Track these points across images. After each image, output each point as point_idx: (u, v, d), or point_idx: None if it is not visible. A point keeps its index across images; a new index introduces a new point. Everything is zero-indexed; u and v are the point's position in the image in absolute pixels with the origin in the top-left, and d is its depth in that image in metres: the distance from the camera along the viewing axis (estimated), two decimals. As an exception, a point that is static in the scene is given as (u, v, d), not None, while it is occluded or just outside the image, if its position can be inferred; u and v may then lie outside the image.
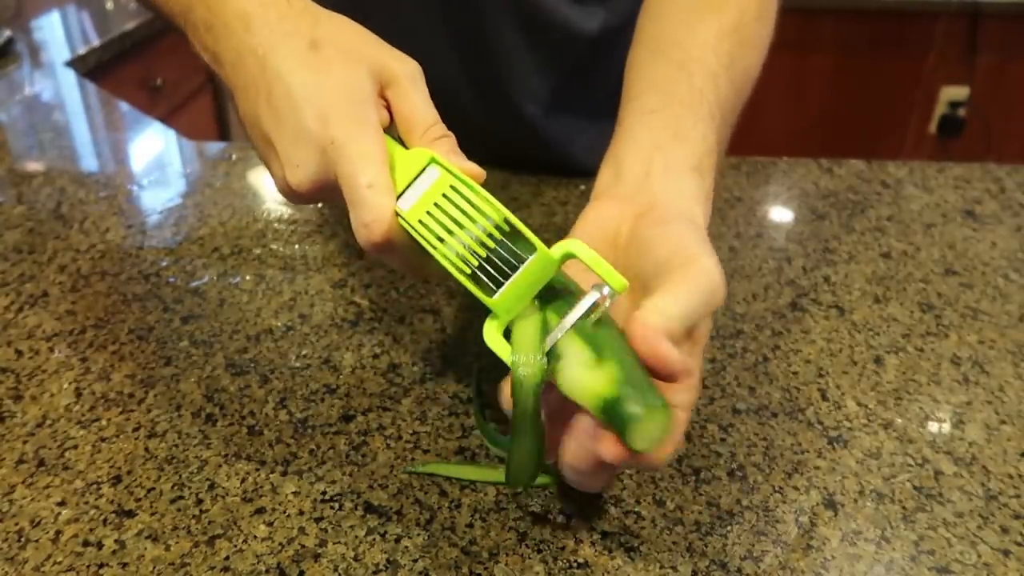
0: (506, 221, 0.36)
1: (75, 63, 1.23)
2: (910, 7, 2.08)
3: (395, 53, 0.41)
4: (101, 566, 0.40)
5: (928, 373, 0.54)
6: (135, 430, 0.48)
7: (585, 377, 0.34)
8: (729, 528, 0.42)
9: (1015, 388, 0.52)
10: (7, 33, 1.17)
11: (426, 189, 0.37)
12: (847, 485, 0.45)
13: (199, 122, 1.86)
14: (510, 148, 0.75)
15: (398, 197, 0.37)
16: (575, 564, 0.40)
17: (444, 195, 0.36)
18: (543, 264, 0.36)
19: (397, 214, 0.37)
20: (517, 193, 0.73)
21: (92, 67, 1.34)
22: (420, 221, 0.36)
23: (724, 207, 0.73)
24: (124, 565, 0.40)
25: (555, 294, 0.38)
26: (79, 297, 0.60)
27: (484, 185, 0.38)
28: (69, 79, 1.09)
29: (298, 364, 0.53)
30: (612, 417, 0.33)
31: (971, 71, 2.14)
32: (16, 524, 0.43)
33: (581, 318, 0.35)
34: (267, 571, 0.40)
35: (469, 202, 0.36)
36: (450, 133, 0.41)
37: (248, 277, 0.62)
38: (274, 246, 0.66)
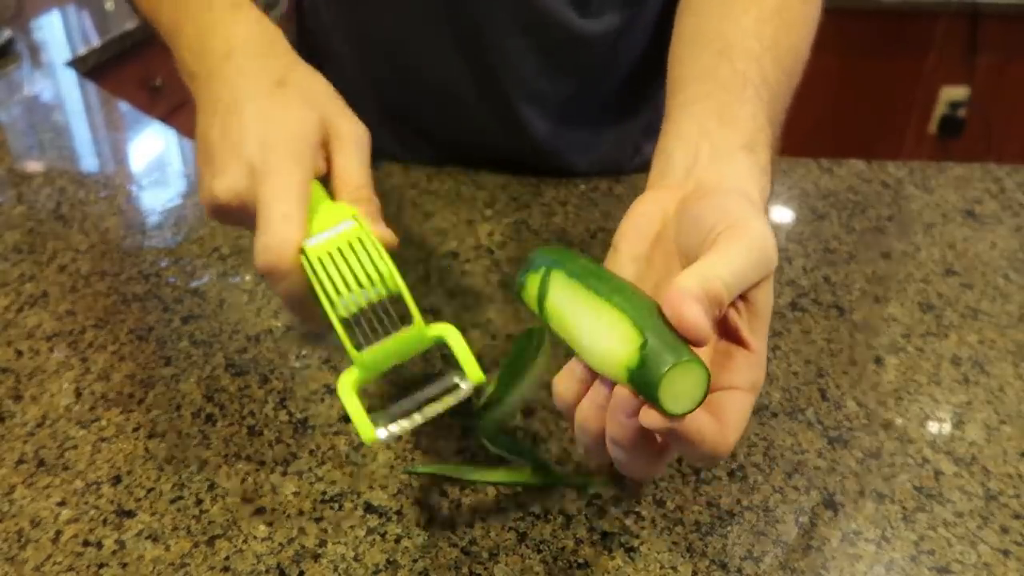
0: (396, 288, 0.38)
1: (75, 63, 1.23)
2: (910, 7, 2.08)
3: (350, 115, 0.44)
4: (101, 566, 0.40)
5: (928, 373, 0.54)
6: (135, 430, 0.48)
7: (606, 348, 0.33)
8: (729, 528, 0.42)
9: (1015, 388, 0.52)
10: (7, 33, 1.17)
11: (334, 235, 0.39)
12: (847, 485, 0.45)
13: (199, 122, 1.85)
14: (511, 151, 0.75)
15: (308, 238, 0.39)
16: (575, 564, 0.40)
17: (350, 244, 0.38)
18: (416, 337, 0.39)
19: (301, 249, 0.38)
20: (517, 193, 0.73)
21: (92, 67, 1.34)
22: (319, 259, 0.38)
23: (724, 207, 0.73)
24: (124, 565, 0.40)
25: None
26: (79, 297, 0.60)
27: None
28: (69, 79, 1.09)
29: (298, 364, 0.53)
30: (642, 382, 0.32)
31: (971, 71, 2.14)
32: (16, 524, 0.43)
33: (435, 402, 0.40)
34: (267, 571, 0.40)
35: (370, 258, 0.38)
36: (376, 200, 0.42)
37: (248, 277, 0.62)
38: (274, 246, 0.66)
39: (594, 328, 0.34)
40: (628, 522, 0.43)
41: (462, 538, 0.42)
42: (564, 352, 0.35)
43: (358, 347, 0.38)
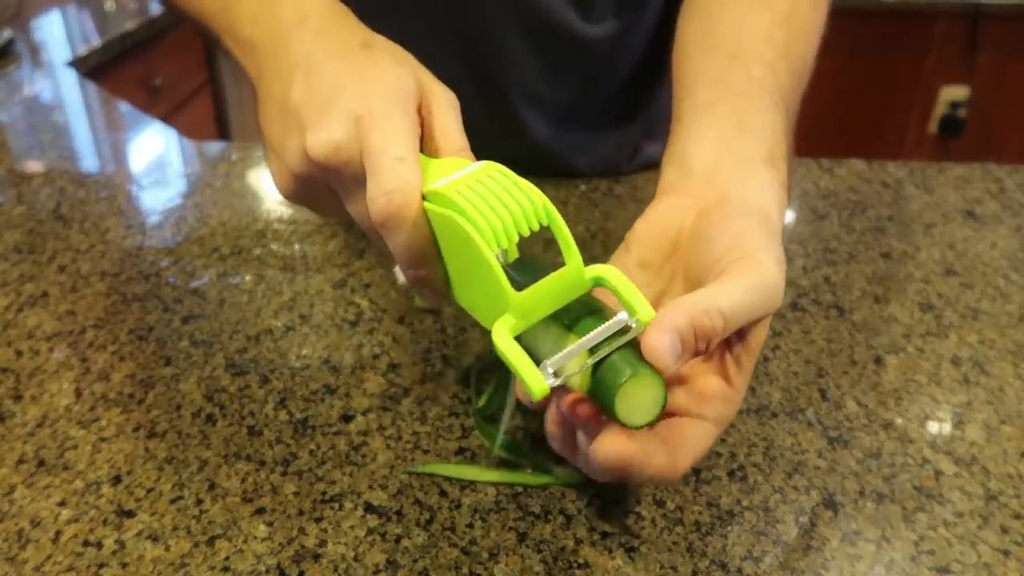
0: (548, 215, 0.33)
1: (75, 63, 1.23)
2: (910, 7, 2.08)
3: (438, 81, 0.41)
4: (101, 566, 0.40)
5: (928, 373, 0.54)
6: (135, 430, 0.48)
7: (572, 363, 0.33)
8: (729, 528, 0.42)
9: (1015, 388, 0.52)
10: (7, 33, 1.17)
11: (464, 174, 0.34)
12: (847, 485, 0.45)
13: (199, 122, 1.86)
14: (510, 154, 0.75)
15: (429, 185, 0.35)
16: (575, 564, 0.40)
17: (488, 176, 0.34)
18: (574, 279, 0.34)
19: (423, 196, 0.34)
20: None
21: (92, 67, 1.34)
22: (459, 192, 0.33)
23: (724, 207, 0.73)
24: (124, 565, 0.40)
25: (580, 316, 0.35)
26: (79, 297, 0.60)
27: None
28: (69, 79, 1.09)
29: (298, 364, 0.53)
30: (600, 391, 0.32)
31: (971, 71, 2.14)
32: (16, 524, 0.43)
33: (605, 341, 0.33)
34: (267, 571, 0.40)
35: (518, 186, 0.34)
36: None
37: (248, 277, 0.62)
38: (274, 246, 0.66)
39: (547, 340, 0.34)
40: (628, 522, 0.43)
41: (462, 538, 0.42)
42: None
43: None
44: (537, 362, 0.32)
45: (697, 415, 0.34)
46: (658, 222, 0.39)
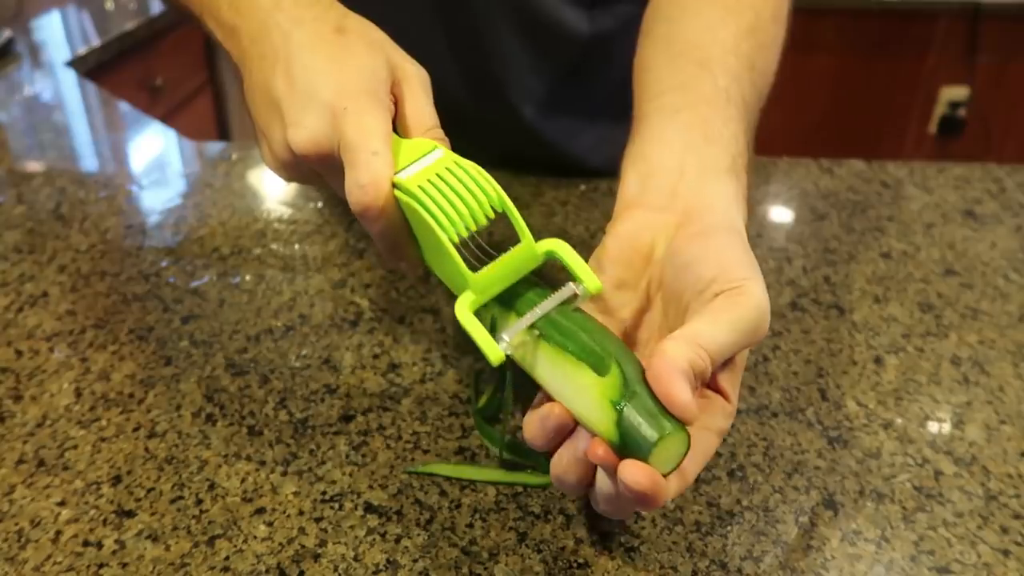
0: (501, 203, 0.37)
1: (75, 63, 1.23)
2: (910, 7, 2.08)
3: (409, 57, 0.43)
4: (101, 566, 0.40)
5: (928, 373, 0.54)
6: (135, 430, 0.48)
7: (585, 408, 0.34)
8: (729, 528, 0.42)
9: (1015, 388, 0.52)
10: (7, 33, 1.17)
11: (427, 165, 0.38)
12: (847, 485, 0.45)
13: (199, 122, 1.86)
14: (508, 148, 0.75)
15: (396, 174, 0.38)
16: (575, 564, 0.40)
17: (447, 168, 0.38)
18: (527, 254, 0.38)
19: (395, 185, 0.38)
20: (517, 193, 0.73)
21: (92, 67, 1.34)
22: (419, 187, 0.37)
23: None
24: (124, 565, 0.40)
25: (531, 288, 0.39)
26: (79, 297, 0.60)
27: None
28: (69, 79, 1.09)
29: (298, 364, 0.53)
30: (626, 443, 0.33)
31: (971, 71, 2.14)
32: (16, 524, 0.43)
33: (553, 310, 0.37)
34: (267, 571, 0.40)
35: (470, 177, 0.37)
36: (447, 140, 0.42)
37: (248, 277, 0.62)
38: (274, 246, 0.66)
39: (567, 385, 0.35)
40: (628, 522, 0.43)
41: (462, 538, 0.42)
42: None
43: (472, 270, 0.37)
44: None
45: (701, 426, 0.34)
46: (628, 238, 0.39)
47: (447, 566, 0.40)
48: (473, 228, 0.37)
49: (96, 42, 1.37)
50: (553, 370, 0.36)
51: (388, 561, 0.41)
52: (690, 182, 0.40)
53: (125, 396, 0.51)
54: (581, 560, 0.41)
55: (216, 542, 0.42)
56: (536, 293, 0.39)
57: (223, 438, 0.48)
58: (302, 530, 0.42)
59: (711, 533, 0.42)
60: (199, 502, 0.44)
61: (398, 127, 0.42)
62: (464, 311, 0.37)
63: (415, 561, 0.40)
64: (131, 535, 0.42)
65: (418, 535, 0.42)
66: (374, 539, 0.42)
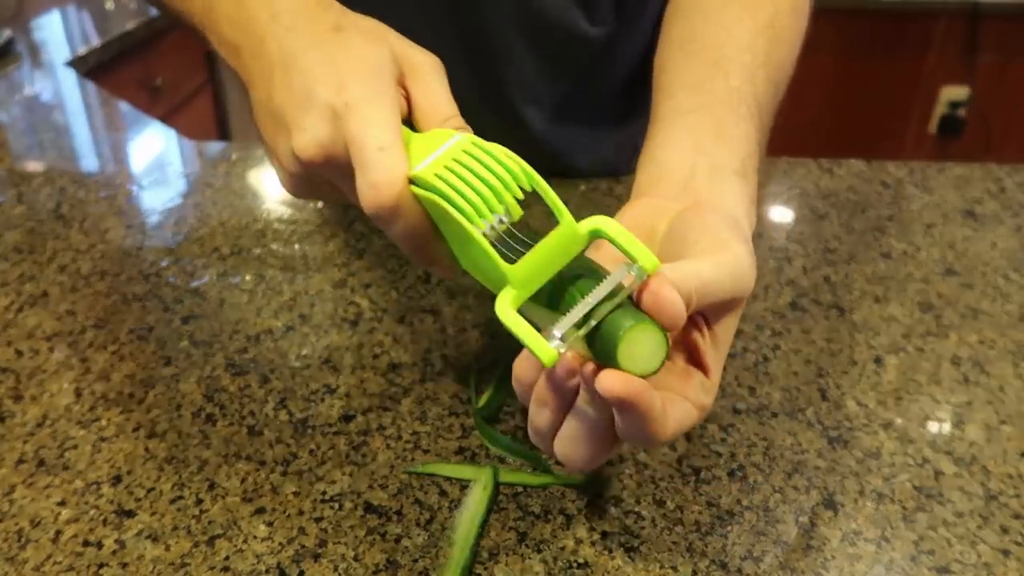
0: (530, 181, 0.33)
1: (75, 63, 1.23)
2: (910, 7, 2.08)
3: (417, 47, 0.40)
4: (101, 566, 0.40)
5: (928, 373, 0.54)
6: (135, 430, 0.48)
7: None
8: (729, 528, 0.42)
9: (1015, 388, 0.52)
10: (7, 33, 1.17)
11: (446, 150, 0.34)
12: (847, 485, 0.45)
13: (199, 122, 1.86)
14: (511, 149, 0.75)
15: (413, 169, 0.35)
16: (575, 564, 0.40)
17: (464, 152, 0.34)
18: (568, 237, 0.34)
19: (411, 180, 0.34)
20: (517, 193, 0.73)
21: (92, 67, 1.34)
22: (437, 175, 0.33)
23: (724, 207, 0.73)
24: (124, 565, 0.40)
25: (578, 277, 0.34)
26: (79, 297, 0.60)
27: None
28: (69, 79, 1.09)
29: (298, 364, 0.53)
30: (601, 345, 0.31)
31: (971, 71, 2.14)
32: (16, 524, 0.43)
33: (606, 298, 0.32)
34: (267, 571, 0.40)
35: (492, 157, 0.33)
36: (470, 130, 0.39)
37: (248, 277, 0.62)
38: (274, 246, 0.66)
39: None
40: (628, 522, 0.43)
41: (462, 538, 0.42)
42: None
43: (509, 263, 0.33)
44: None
45: (681, 395, 0.34)
46: (632, 222, 0.39)
47: (447, 566, 0.40)
48: (500, 211, 0.33)
49: (96, 42, 1.37)
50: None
51: (388, 561, 0.41)
52: (700, 182, 0.40)
53: (125, 396, 0.51)
54: (581, 560, 0.41)
55: (216, 542, 0.42)
56: (585, 281, 0.34)
57: (223, 438, 0.48)
58: (302, 530, 0.42)
59: (711, 533, 0.42)
60: (199, 502, 0.44)
61: (413, 121, 0.39)
62: (506, 309, 0.32)
63: (415, 561, 0.40)
64: (131, 535, 0.42)
65: (418, 535, 0.42)
66: (374, 539, 0.42)
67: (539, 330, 0.32)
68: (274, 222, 0.69)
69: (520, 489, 0.45)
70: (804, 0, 0.52)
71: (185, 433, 0.48)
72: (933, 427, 0.49)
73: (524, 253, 0.33)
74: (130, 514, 0.43)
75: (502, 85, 0.70)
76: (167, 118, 1.55)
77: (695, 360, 0.36)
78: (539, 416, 0.36)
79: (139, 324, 0.57)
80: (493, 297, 0.33)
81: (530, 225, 0.35)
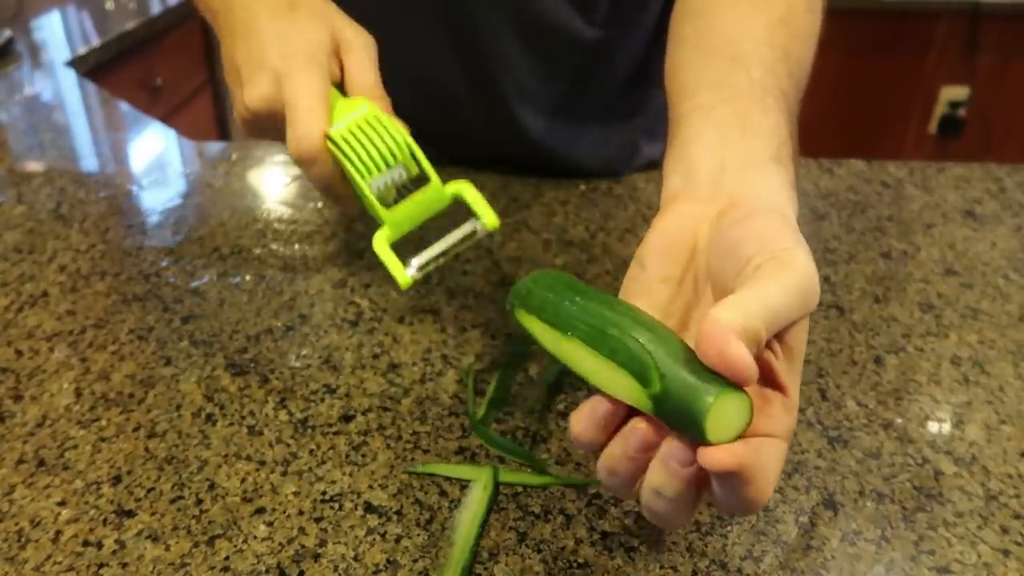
0: (409, 149, 0.45)
1: (75, 63, 1.23)
2: (910, 7, 2.08)
3: (356, 27, 0.50)
4: (101, 566, 0.40)
5: (928, 373, 0.54)
6: (135, 430, 0.48)
7: (624, 381, 0.31)
8: (729, 528, 0.42)
9: (1015, 388, 0.52)
10: (7, 33, 1.17)
11: (353, 118, 0.45)
12: (847, 485, 0.45)
13: (199, 122, 1.86)
14: (509, 153, 0.75)
15: (332, 127, 0.45)
16: (575, 564, 0.40)
17: (366, 121, 0.45)
18: (435, 194, 0.46)
19: (327, 136, 0.45)
20: (517, 193, 0.73)
21: (92, 67, 1.34)
22: (343, 138, 0.45)
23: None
24: (124, 565, 0.40)
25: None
26: (79, 297, 0.60)
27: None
28: (69, 79, 1.09)
29: (298, 364, 0.53)
30: (678, 412, 0.29)
31: (971, 71, 2.14)
32: (16, 524, 0.43)
33: (456, 244, 0.46)
34: (267, 571, 0.40)
35: (384, 127, 0.45)
36: (387, 97, 0.49)
37: (248, 277, 0.62)
38: (274, 246, 0.66)
39: (604, 367, 0.32)
40: (628, 522, 0.43)
41: (462, 538, 0.42)
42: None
43: (387, 208, 0.45)
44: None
45: (765, 434, 0.31)
46: (670, 232, 0.37)
47: (447, 566, 0.40)
48: (384, 169, 0.45)
49: (96, 42, 1.37)
50: (597, 369, 0.33)
51: (388, 561, 0.41)
52: (732, 176, 0.38)
53: (125, 396, 0.51)
54: (581, 560, 0.41)
55: (216, 542, 0.42)
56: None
57: (223, 438, 0.48)
58: (302, 530, 0.42)
59: (711, 533, 0.42)
60: (199, 502, 0.44)
61: (345, 86, 0.49)
62: (381, 243, 0.45)
63: (415, 561, 0.40)
64: (131, 535, 0.42)
65: (418, 535, 0.42)
66: (374, 539, 0.42)
67: (403, 265, 0.46)
68: (274, 222, 0.69)
69: (520, 489, 0.45)
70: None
71: (185, 433, 0.48)
72: (933, 427, 0.49)
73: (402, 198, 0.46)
74: (130, 514, 0.43)
75: (498, 87, 0.70)
76: (167, 118, 1.55)
77: (769, 380, 0.32)
78: (611, 481, 0.34)
79: (139, 324, 0.57)
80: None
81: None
